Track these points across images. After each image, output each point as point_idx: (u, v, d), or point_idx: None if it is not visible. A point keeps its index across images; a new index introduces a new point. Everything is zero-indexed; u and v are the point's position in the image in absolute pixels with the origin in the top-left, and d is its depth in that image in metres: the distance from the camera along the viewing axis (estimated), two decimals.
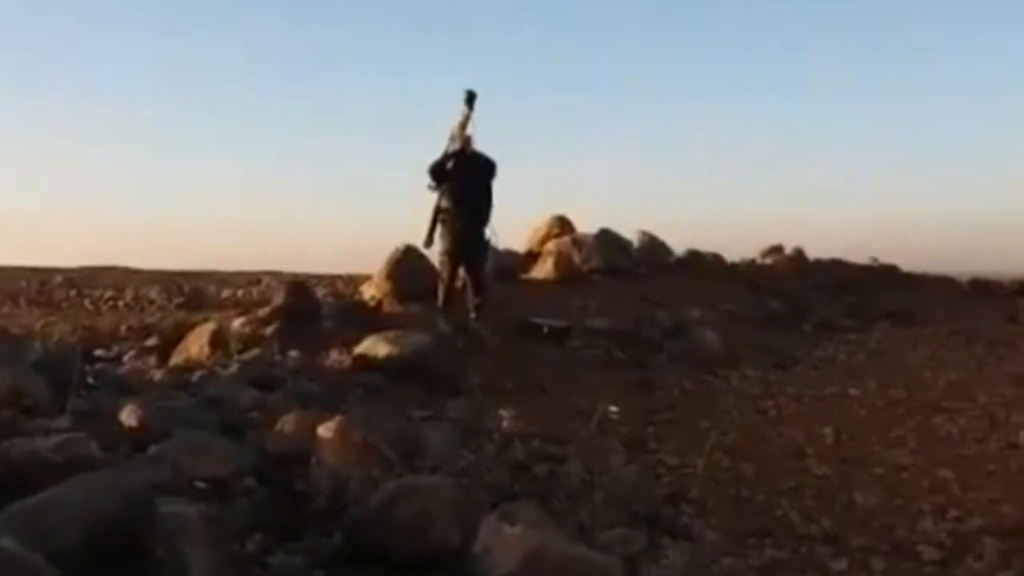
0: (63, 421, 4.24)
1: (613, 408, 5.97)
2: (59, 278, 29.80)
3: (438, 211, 8.47)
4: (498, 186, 8.64)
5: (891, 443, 6.16)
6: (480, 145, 8.53)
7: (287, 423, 4.68)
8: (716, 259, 14.16)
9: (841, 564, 4.06)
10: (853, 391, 7.83)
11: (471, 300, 8.62)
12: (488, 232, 8.62)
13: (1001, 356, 9.73)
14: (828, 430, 6.47)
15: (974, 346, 10.43)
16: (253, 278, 30.74)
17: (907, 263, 16.06)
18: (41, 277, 29.89)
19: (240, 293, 24.40)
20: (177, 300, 22.58)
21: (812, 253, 15.44)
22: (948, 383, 8.10)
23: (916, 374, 8.61)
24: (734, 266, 14.26)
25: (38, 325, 14.74)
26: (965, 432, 6.38)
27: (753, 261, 14.96)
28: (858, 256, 15.80)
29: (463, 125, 8.34)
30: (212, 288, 26.60)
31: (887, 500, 4.97)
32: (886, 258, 15.89)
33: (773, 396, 7.71)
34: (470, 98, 8.24)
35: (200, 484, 3.72)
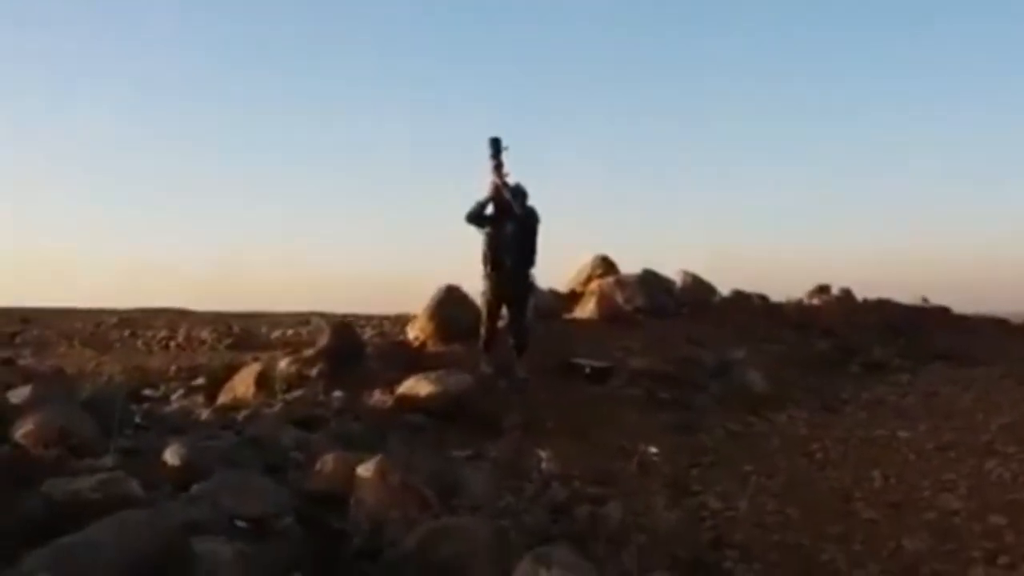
0: (108, 460, 4.31)
1: (654, 449, 5.92)
2: (114, 319, 30.45)
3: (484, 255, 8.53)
4: (542, 228, 8.66)
5: (942, 487, 5.99)
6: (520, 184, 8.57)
7: (327, 463, 4.71)
8: (761, 299, 14.02)
9: None
10: (903, 434, 7.64)
11: (512, 340, 8.62)
12: (531, 274, 8.64)
13: None
14: (877, 473, 6.32)
15: None
16: (302, 319, 31.15)
17: (958, 303, 15.79)
18: (96, 319, 30.57)
19: (289, 333, 24.69)
20: (227, 341, 22.90)
21: (861, 293, 15.26)
22: (1000, 426, 7.85)
23: (967, 417, 8.38)
24: (779, 306, 14.09)
25: (90, 366, 15.03)
26: (1018, 476, 6.18)
27: (800, 301, 14.78)
28: (908, 296, 15.58)
29: (496, 171, 8.41)
30: (262, 329, 26.97)
31: (937, 546, 4.83)
32: (937, 298, 15.65)
33: (820, 439, 7.56)
34: (495, 145, 8.35)
35: (240, 523, 3.75)
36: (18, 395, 5.57)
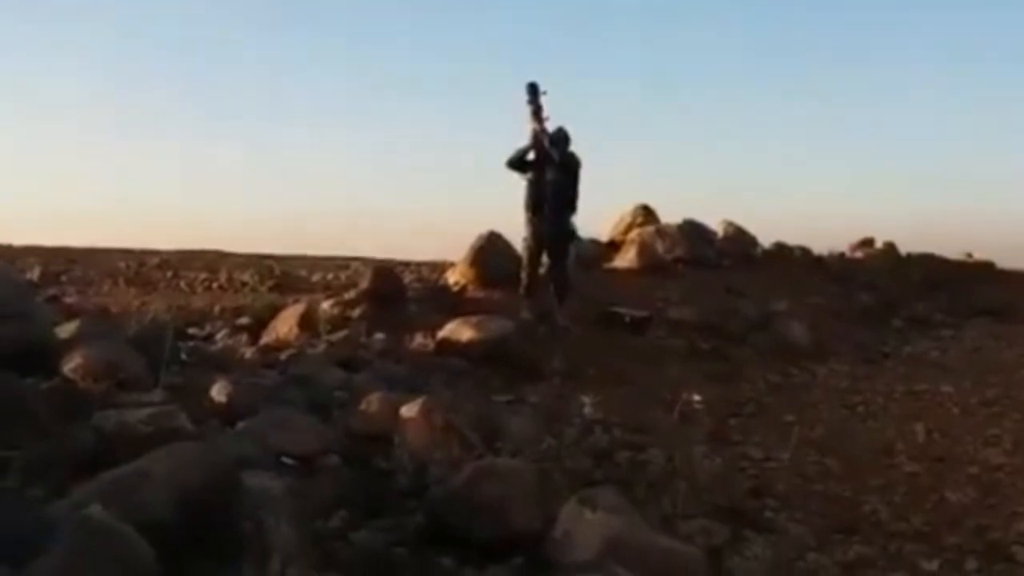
0: (156, 395, 4.35)
1: (696, 397, 5.89)
2: (156, 260, 30.82)
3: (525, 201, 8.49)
4: (584, 175, 8.57)
5: (985, 442, 5.95)
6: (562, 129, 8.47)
7: (371, 403, 4.74)
8: (803, 252, 13.86)
9: (932, 564, 3.93)
10: (946, 388, 7.57)
11: (553, 288, 8.60)
12: (572, 220, 8.59)
13: None
14: (919, 427, 6.27)
15: None
16: (342, 263, 31.35)
17: (1003, 259, 15.52)
18: (139, 259, 30.95)
19: (329, 277, 24.86)
20: (269, 282, 23.08)
21: (904, 247, 15.05)
22: None
23: (1012, 372, 8.29)
24: (821, 259, 13.93)
25: (135, 304, 15.23)
26: None
27: (842, 255, 14.60)
28: (952, 251, 15.35)
29: (535, 117, 8.30)
30: (303, 272, 27.20)
31: (980, 500, 4.80)
32: (981, 254, 15.39)
33: (861, 391, 7.51)
34: (532, 90, 8.23)
35: (286, 460, 3.79)
36: (65, 330, 5.63)
